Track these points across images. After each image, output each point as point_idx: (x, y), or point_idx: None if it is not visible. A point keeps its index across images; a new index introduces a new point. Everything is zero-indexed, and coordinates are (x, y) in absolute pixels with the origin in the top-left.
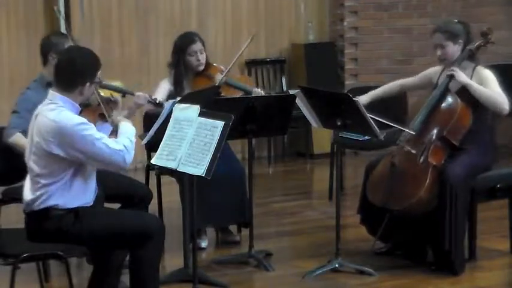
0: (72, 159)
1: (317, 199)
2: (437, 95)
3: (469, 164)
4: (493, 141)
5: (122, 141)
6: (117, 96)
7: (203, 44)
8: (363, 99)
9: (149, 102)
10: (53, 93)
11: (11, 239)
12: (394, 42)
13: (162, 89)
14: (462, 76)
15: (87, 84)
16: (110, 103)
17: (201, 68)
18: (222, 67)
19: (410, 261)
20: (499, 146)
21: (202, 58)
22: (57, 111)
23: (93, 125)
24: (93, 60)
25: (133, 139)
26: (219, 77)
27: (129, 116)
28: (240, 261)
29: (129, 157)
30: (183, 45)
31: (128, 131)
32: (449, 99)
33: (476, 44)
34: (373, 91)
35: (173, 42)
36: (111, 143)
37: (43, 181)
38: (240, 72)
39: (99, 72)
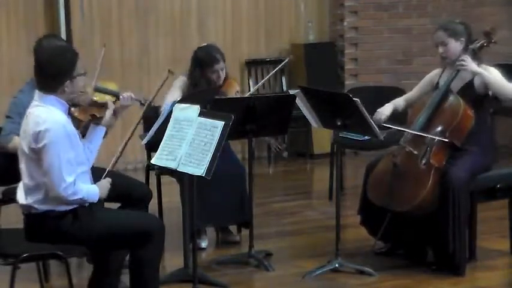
0: (40, 154)
1: (317, 199)
2: (439, 95)
3: (470, 165)
4: (493, 141)
5: (81, 184)
6: (108, 98)
7: (224, 60)
8: (386, 110)
9: (136, 100)
10: (39, 94)
11: (10, 239)
12: (394, 42)
13: (176, 91)
14: (472, 66)
15: (67, 81)
16: (101, 105)
17: (220, 83)
18: (236, 84)
19: (410, 261)
20: (499, 146)
21: (223, 75)
22: (46, 109)
23: (75, 138)
24: (67, 56)
25: (86, 196)
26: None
27: (115, 118)
28: (240, 261)
29: (67, 194)
30: (206, 62)
31: (91, 190)
32: (452, 100)
33: (479, 43)
34: (392, 104)
35: (194, 52)
36: (67, 168)
37: (30, 183)
38: (240, 73)
39: (78, 66)
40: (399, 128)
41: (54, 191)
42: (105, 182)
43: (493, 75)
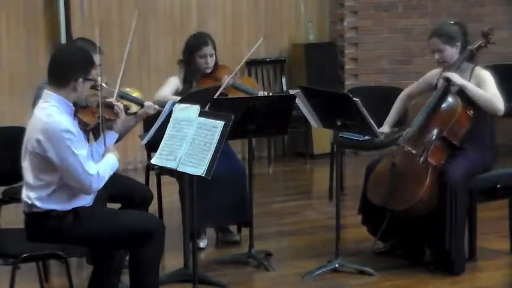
0: (50, 161)
1: (317, 199)
2: (437, 95)
3: (468, 164)
4: (493, 141)
5: (98, 167)
6: (128, 103)
7: (214, 47)
8: (384, 129)
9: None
10: (47, 93)
11: (11, 239)
12: (394, 42)
13: (171, 85)
14: (458, 79)
15: (80, 79)
16: (112, 108)
17: (208, 71)
18: (229, 69)
19: (409, 261)
20: (499, 146)
21: (211, 61)
22: (49, 111)
23: (80, 138)
24: (85, 56)
25: (111, 172)
26: (225, 79)
27: (134, 123)
28: (240, 261)
29: (97, 185)
30: (195, 45)
31: (110, 163)
32: (450, 100)
33: (477, 44)
34: (388, 117)
35: (186, 40)
36: (87, 163)
37: (35, 183)
38: (240, 72)
39: (93, 70)
40: (401, 133)
41: (87, 190)
42: (111, 148)
43: (485, 81)
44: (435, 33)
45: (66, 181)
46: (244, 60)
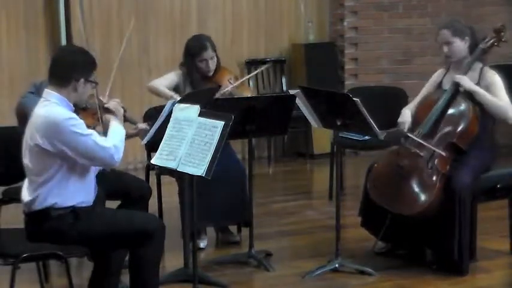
0: (60, 154)
1: (317, 199)
2: (446, 99)
3: (473, 169)
4: (493, 142)
5: (112, 141)
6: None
7: (214, 50)
8: (407, 117)
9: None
10: (48, 92)
11: (11, 239)
12: (394, 42)
13: (168, 79)
14: (468, 83)
15: (81, 80)
16: (108, 109)
17: (210, 74)
18: (230, 73)
19: (410, 261)
20: (499, 146)
21: (212, 64)
22: (49, 106)
23: (82, 121)
24: (87, 57)
25: (123, 140)
26: (224, 87)
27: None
28: (240, 261)
29: (118, 156)
30: (194, 51)
31: (118, 133)
32: (462, 105)
33: (489, 42)
34: (409, 109)
35: (186, 43)
36: (100, 140)
37: (38, 179)
38: (240, 73)
39: (94, 72)
40: (420, 141)
41: (111, 163)
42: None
43: (496, 86)
44: (444, 25)
45: (89, 165)
46: (247, 77)
